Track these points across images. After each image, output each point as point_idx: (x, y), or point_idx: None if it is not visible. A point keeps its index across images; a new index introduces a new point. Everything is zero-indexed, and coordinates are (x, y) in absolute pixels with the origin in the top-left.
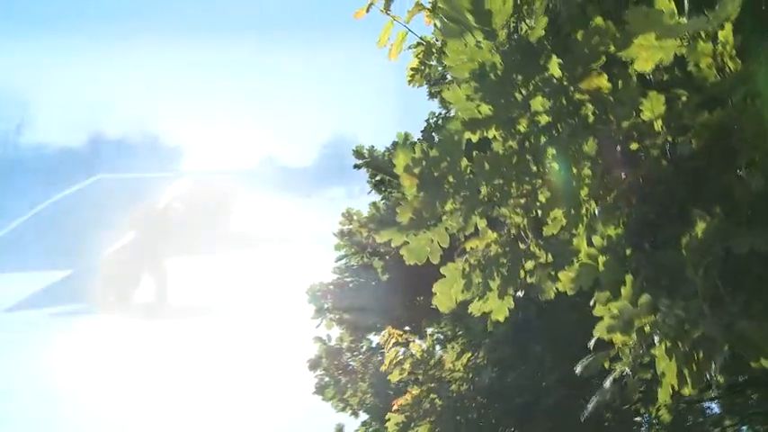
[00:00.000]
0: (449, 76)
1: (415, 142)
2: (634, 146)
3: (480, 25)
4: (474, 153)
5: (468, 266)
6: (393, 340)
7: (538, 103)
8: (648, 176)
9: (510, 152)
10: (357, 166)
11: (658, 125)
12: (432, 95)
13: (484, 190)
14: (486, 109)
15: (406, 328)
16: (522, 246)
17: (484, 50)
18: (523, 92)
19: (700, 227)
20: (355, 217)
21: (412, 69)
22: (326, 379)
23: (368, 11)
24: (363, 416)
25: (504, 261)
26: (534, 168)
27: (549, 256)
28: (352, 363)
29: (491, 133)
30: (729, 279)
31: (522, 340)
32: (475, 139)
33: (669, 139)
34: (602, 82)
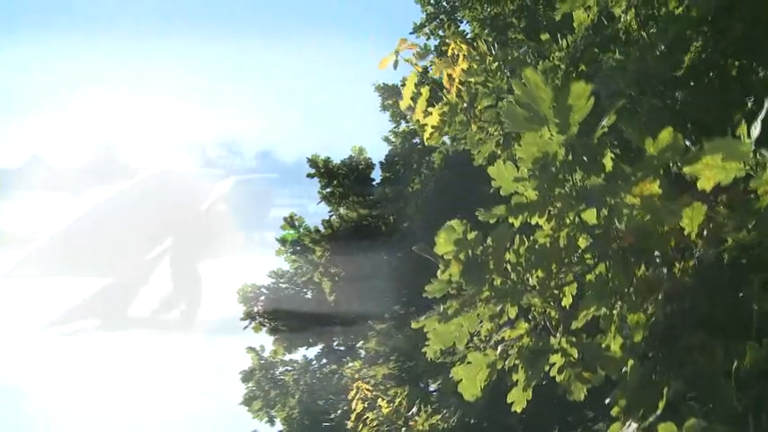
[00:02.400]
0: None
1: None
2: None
3: (558, 119)
4: (519, 239)
5: (495, 356)
6: (360, 395)
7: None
8: (678, 282)
9: (556, 245)
10: (310, 176)
11: (694, 234)
12: (384, 108)
13: (515, 277)
14: (532, 194)
15: (341, 347)
16: (552, 340)
17: (553, 143)
18: (578, 185)
19: (750, 356)
20: (297, 223)
21: (432, 127)
22: (256, 391)
23: (396, 66)
24: (279, 425)
25: (533, 354)
26: (567, 260)
27: (581, 354)
28: (284, 377)
29: (534, 220)
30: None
31: (495, 407)
32: (517, 224)
33: (701, 248)
34: (654, 188)
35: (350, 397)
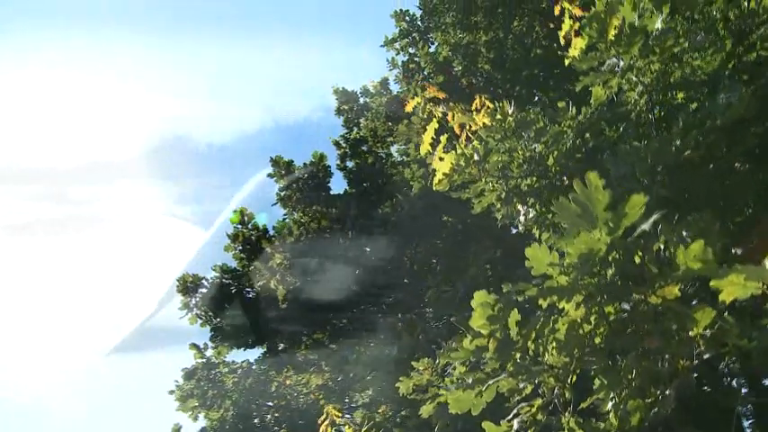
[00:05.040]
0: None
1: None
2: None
3: (612, 222)
4: (542, 322)
5: (508, 427)
6: (329, 419)
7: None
8: (684, 378)
9: (579, 333)
10: (270, 176)
11: (698, 336)
12: (339, 112)
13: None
14: (563, 280)
15: (283, 353)
16: (563, 419)
17: (601, 242)
18: (608, 279)
19: None
20: (250, 224)
21: (443, 174)
22: (194, 390)
23: (423, 112)
24: (202, 421)
25: (544, 430)
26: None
27: None
28: (224, 379)
29: (561, 305)
30: None
31: None
32: (544, 305)
33: (703, 348)
34: (675, 291)
35: (319, 421)
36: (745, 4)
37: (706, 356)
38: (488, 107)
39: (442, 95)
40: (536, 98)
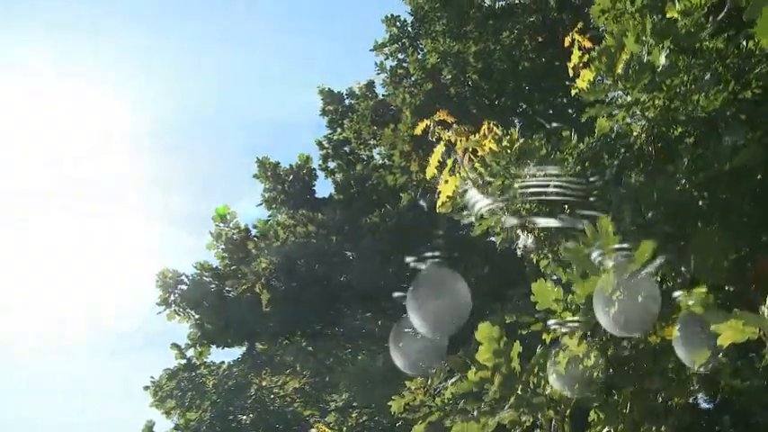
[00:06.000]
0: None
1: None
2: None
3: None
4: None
5: None
6: None
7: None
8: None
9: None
10: (256, 176)
11: (692, 376)
12: (324, 113)
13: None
14: (567, 315)
15: (261, 357)
16: None
17: (608, 283)
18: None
19: None
20: (232, 223)
21: (447, 197)
22: (174, 391)
23: (432, 136)
24: (176, 418)
25: None
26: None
27: None
28: (204, 380)
29: (565, 339)
30: None
31: None
32: (548, 339)
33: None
34: (674, 332)
35: None
36: (744, 43)
37: (699, 394)
38: (495, 133)
39: (450, 119)
40: (520, 110)
